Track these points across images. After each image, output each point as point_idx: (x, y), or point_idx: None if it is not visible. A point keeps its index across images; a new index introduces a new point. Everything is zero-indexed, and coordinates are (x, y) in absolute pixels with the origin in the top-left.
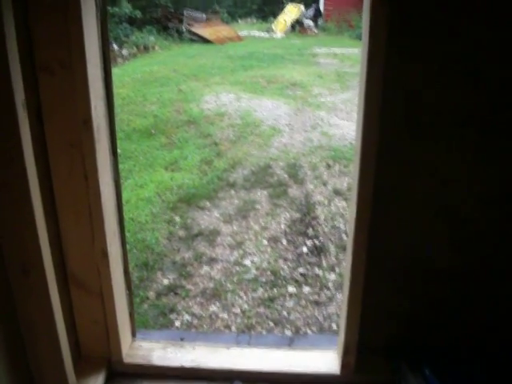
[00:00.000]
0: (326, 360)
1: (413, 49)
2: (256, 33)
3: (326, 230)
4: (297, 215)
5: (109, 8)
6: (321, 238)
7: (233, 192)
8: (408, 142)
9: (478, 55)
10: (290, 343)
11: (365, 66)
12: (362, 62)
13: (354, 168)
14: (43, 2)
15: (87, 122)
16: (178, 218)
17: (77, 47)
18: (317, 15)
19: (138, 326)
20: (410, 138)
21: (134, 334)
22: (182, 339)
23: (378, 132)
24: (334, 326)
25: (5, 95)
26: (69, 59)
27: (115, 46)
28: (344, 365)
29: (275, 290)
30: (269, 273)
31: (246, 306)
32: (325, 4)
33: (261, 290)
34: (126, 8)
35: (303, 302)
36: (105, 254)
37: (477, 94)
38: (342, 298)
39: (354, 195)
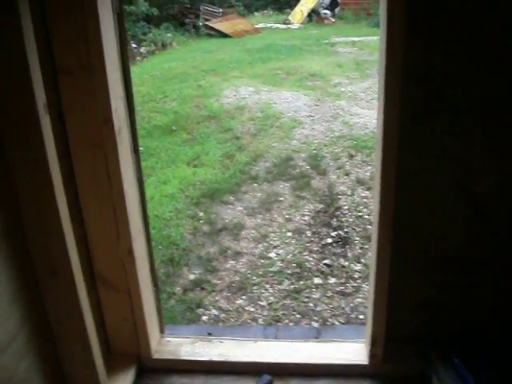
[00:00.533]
0: (354, 351)
1: (432, 35)
2: (273, 25)
3: (350, 220)
4: (320, 206)
5: (125, 7)
6: (345, 229)
7: (255, 185)
8: (429, 129)
9: (500, 41)
10: (317, 335)
11: (384, 55)
12: (380, 51)
13: (376, 157)
14: (61, 5)
15: (108, 121)
16: (201, 213)
17: (95, 48)
18: (333, 4)
19: (165, 321)
20: (432, 126)
21: (162, 330)
22: (209, 334)
23: (399, 120)
24: (361, 317)
25: (27, 98)
26: (88, 60)
27: (133, 45)
28: (372, 355)
29: (301, 281)
30: (294, 265)
31: (272, 299)
32: None
33: (286, 282)
34: (143, 6)
35: (329, 293)
36: (130, 252)
37: (501, 81)
38: (369, 288)
39: (376, 184)
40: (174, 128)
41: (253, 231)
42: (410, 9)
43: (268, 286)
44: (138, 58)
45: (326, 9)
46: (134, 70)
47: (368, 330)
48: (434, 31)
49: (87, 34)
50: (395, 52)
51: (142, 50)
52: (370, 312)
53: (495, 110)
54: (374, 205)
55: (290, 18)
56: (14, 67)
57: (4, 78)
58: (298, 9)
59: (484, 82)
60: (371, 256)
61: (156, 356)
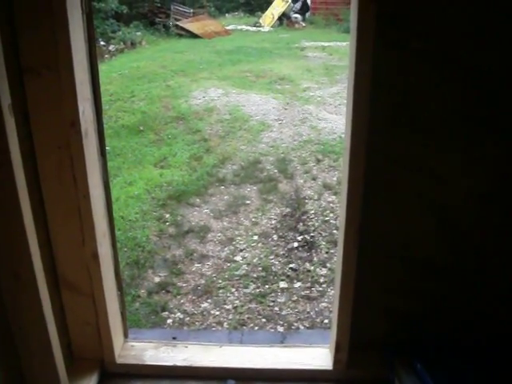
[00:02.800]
0: (319, 356)
1: (401, 44)
2: (244, 27)
3: (316, 224)
4: (287, 210)
5: (95, 4)
6: (311, 233)
7: (222, 188)
8: (397, 136)
9: (467, 50)
10: (282, 339)
11: (353, 61)
12: (350, 57)
13: (344, 162)
14: (28, 2)
15: (75, 124)
16: (168, 215)
17: (63, 48)
18: (304, 9)
19: (129, 324)
20: (399, 133)
21: (126, 335)
22: (174, 338)
23: (368, 127)
24: (326, 321)
25: None
26: (55, 61)
27: (102, 42)
28: (336, 361)
29: (266, 285)
30: (260, 268)
31: (237, 302)
32: None
33: (252, 285)
34: (112, 3)
35: (295, 298)
36: (95, 256)
37: (466, 89)
38: (334, 293)
39: (344, 190)
40: (141, 128)
41: (219, 234)
42: (381, 18)
43: (233, 290)
44: (107, 56)
45: (297, 13)
46: (103, 68)
47: (333, 335)
48: (405, 42)
49: (55, 33)
50: (364, 61)
51: (111, 47)
52: (334, 317)
53: (464, 119)
54: (341, 211)
55: (260, 20)
56: None
57: None
58: (268, 12)
59: (453, 93)
60: (337, 261)
61: (120, 361)
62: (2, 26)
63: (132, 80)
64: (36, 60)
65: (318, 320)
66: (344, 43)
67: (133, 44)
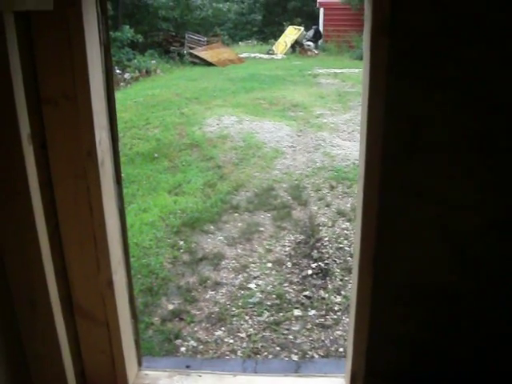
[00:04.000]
0: None
1: (414, 74)
2: (257, 55)
3: (330, 251)
4: (301, 237)
5: (111, 33)
6: (326, 260)
7: (236, 215)
8: (411, 165)
9: (480, 80)
10: (296, 368)
11: (366, 90)
12: (363, 86)
13: (358, 189)
14: (48, 34)
15: (91, 153)
16: (182, 242)
17: (81, 79)
18: (317, 36)
19: (143, 352)
20: (413, 162)
21: (139, 363)
22: (187, 367)
23: (381, 154)
24: (341, 350)
25: (11, 129)
26: (73, 91)
27: (117, 70)
28: None
29: (281, 313)
30: (274, 296)
31: (251, 330)
32: (324, 25)
33: (266, 313)
34: (128, 33)
35: (309, 326)
36: (110, 284)
37: (480, 119)
38: (349, 322)
39: (358, 217)
40: (155, 155)
41: (233, 261)
42: (394, 48)
43: (247, 318)
44: (122, 83)
45: (310, 40)
46: (118, 96)
47: (348, 364)
48: (418, 71)
49: (73, 64)
50: (378, 90)
51: (126, 75)
52: (349, 346)
53: (477, 149)
54: (355, 239)
55: (273, 48)
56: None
57: None
58: (281, 40)
59: (468, 123)
60: (352, 289)
61: None
62: (23, 58)
63: (147, 108)
64: (54, 90)
65: (332, 348)
66: (356, 70)
67: (148, 72)
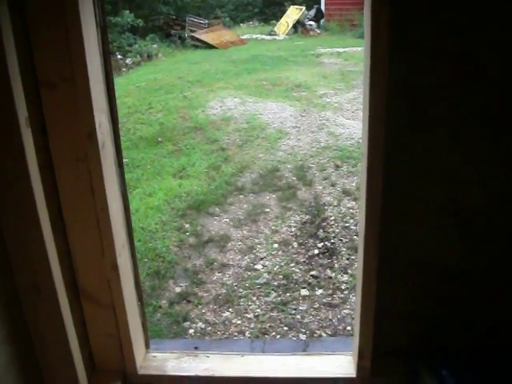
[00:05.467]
0: (342, 364)
1: (417, 49)
2: (259, 36)
3: (336, 231)
4: (307, 217)
5: (111, 18)
6: (332, 240)
7: (241, 197)
8: (415, 140)
9: (485, 54)
10: (304, 348)
11: (368, 67)
12: (365, 62)
13: (362, 168)
14: (43, 17)
15: (92, 135)
16: (187, 225)
17: (78, 61)
18: (318, 16)
19: (151, 335)
20: (417, 137)
21: (147, 345)
22: (195, 348)
23: (385, 131)
24: (349, 328)
25: (8, 113)
26: (71, 73)
27: (119, 56)
28: (360, 368)
29: (288, 293)
30: (281, 276)
31: (259, 311)
32: (326, 4)
33: (273, 294)
34: (128, 17)
35: (316, 305)
36: (115, 267)
37: (486, 93)
38: (356, 300)
39: (362, 195)
40: (159, 139)
41: (239, 243)
42: (395, 21)
43: (255, 299)
44: (124, 69)
45: (311, 20)
46: (120, 81)
47: (355, 342)
48: (419, 44)
49: (70, 46)
50: (380, 64)
51: (128, 61)
52: (357, 324)
53: (483, 122)
54: (360, 217)
55: (275, 29)
56: None
57: None
58: (283, 20)
59: (472, 96)
60: (358, 268)
61: (142, 372)
62: (18, 41)
63: (149, 92)
64: (52, 73)
65: (340, 327)
66: (359, 48)
67: (149, 56)
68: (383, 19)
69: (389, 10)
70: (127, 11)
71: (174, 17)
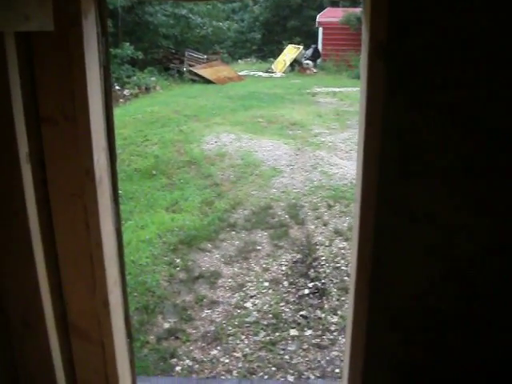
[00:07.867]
0: None
1: (411, 97)
2: (256, 73)
3: (327, 271)
4: (298, 256)
5: (111, 49)
6: (322, 280)
7: (234, 233)
8: (407, 186)
9: (474, 105)
10: None
11: (363, 115)
12: (360, 112)
13: (355, 213)
14: (48, 54)
15: (89, 172)
16: (178, 260)
17: (80, 99)
18: (315, 55)
19: (138, 371)
20: (409, 183)
21: (134, 383)
22: None
23: (378, 177)
24: (337, 370)
25: (9, 148)
26: (72, 111)
27: (117, 87)
28: None
29: (277, 333)
30: (270, 315)
31: (247, 350)
32: (323, 44)
33: (262, 333)
34: (128, 49)
35: (305, 346)
36: (106, 304)
37: (476, 143)
38: (345, 344)
39: (354, 240)
40: (154, 172)
41: (230, 280)
42: (390, 69)
43: (243, 337)
44: (121, 100)
45: (308, 59)
46: (117, 113)
47: None
48: (414, 93)
49: (73, 85)
50: (375, 111)
51: (126, 92)
52: (345, 367)
53: (474, 172)
54: (352, 260)
55: (272, 66)
56: None
57: None
58: (280, 58)
59: (462, 145)
60: (348, 311)
61: None
62: (23, 76)
63: (145, 124)
64: (54, 110)
65: (328, 369)
66: (354, 89)
67: (147, 89)
68: (378, 70)
69: (384, 63)
70: (127, 43)
71: (173, 51)
